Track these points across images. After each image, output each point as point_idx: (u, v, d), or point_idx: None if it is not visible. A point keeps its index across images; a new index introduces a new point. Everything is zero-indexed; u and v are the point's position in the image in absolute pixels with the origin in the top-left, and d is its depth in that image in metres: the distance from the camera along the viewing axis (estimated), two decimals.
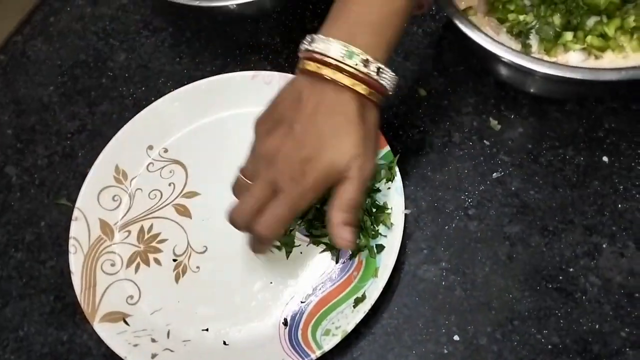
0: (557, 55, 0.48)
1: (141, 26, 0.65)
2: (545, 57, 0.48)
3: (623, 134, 0.51)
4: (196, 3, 0.54)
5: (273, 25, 0.62)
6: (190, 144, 0.55)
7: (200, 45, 0.62)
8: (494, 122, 0.53)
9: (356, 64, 0.39)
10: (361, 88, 0.39)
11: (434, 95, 0.55)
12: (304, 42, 0.42)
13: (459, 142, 0.53)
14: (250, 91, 0.55)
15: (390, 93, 0.42)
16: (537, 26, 0.48)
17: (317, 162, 0.40)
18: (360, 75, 0.39)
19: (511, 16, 0.49)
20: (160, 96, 0.56)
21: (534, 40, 0.48)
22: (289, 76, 0.55)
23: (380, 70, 0.40)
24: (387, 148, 0.50)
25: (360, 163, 0.40)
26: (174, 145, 0.55)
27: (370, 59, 0.39)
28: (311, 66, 0.40)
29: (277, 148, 0.40)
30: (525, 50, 0.48)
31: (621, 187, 0.49)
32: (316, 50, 0.40)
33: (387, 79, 0.41)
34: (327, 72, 0.39)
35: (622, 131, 0.51)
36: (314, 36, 0.41)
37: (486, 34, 0.46)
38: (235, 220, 0.43)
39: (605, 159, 0.50)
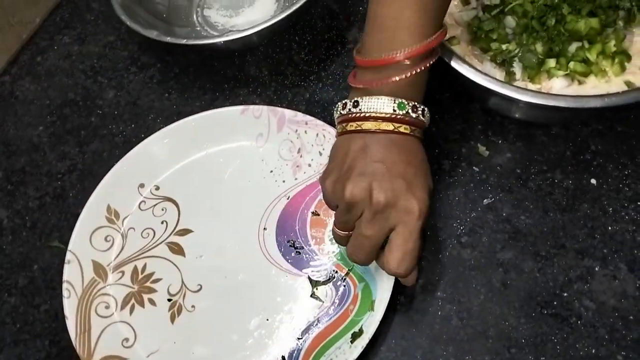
0: (541, 82, 0.49)
1: (129, 63, 0.65)
2: (530, 85, 0.49)
3: (609, 156, 0.52)
4: (184, 41, 0.55)
5: (260, 58, 0.63)
6: (181, 181, 0.55)
7: (189, 80, 0.63)
8: (482, 148, 0.53)
9: (407, 112, 0.41)
10: (418, 132, 0.43)
11: None
12: (342, 108, 0.43)
13: (449, 169, 0.53)
14: (240, 125, 0.56)
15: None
16: (520, 54, 0.49)
17: (420, 184, 0.41)
18: (413, 120, 0.42)
19: (494, 45, 0.50)
20: (150, 133, 0.56)
21: (517, 68, 0.49)
22: (278, 110, 0.55)
23: (424, 111, 0.43)
24: None
25: None
26: (166, 182, 0.55)
27: (416, 104, 0.42)
28: (368, 125, 0.41)
29: (371, 186, 0.40)
30: (509, 78, 0.49)
31: (610, 209, 0.49)
32: (367, 110, 0.41)
33: (428, 115, 0.44)
34: (387, 127, 0.41)
35: (608, 153, 0.52)
36: (358, 100, 0.42)
37: (470, 64, 0.47)
38: (359, 259, 0.42)
39: (593, 181, 0.51)
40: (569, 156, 0.52)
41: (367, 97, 0.41)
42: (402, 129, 0.41)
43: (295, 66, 0.62)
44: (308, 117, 0.55)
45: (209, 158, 0.56)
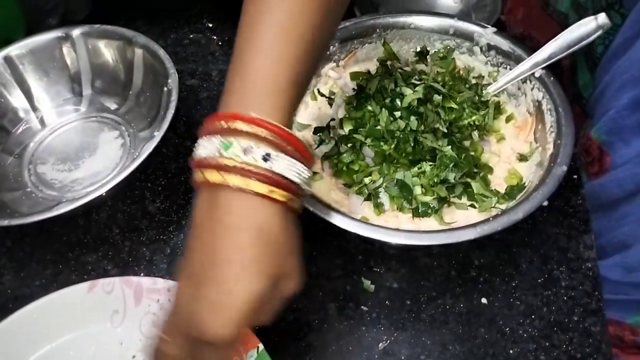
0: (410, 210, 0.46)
1: None
2: (400, 215, 0.46)
3: (494, 268, 0.50)
4: (5, 223, 0.46)
5: (109, 214, 0.55)
6: None
7: (25, 254, 0.53)
8: (367, 283, 0.49)
9: (235, 155, 0.30)
10: (251, 184, 0.31)
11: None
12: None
13: (337, 313, 0.48)
14: (88, 306, 0.47)
15: (306, 188, 0.33)
16: (384, 185, 0.46)
17: (228, 301, 0.30)
18: (246, 169, 0.30)
19: (357, 177, 0.47)
20: None
21: (385, 199, 0.46)
22: (133, 279, 0.48)
23: (269, 157, 0.30)
24: (260, 346, 0.43)
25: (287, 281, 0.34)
26: None
27: (252, 145, 0.30)
28: (199, 176, 0.33)
29: (179, 294, 0.33)
30: (379, 211, 0.46)
31: (507, 329, 0.47)
32: (196, 155, 0.33)
33: (288, 168, 0.31)
34: (214, 177, 0.31)
35: (492, 264, 0.50)
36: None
37: (326, 203, 0.43)
38: None
39: (484, 300, 0.48)
40: (454, 276, 0.49)
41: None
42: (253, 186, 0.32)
43: (151, 218, 0.55)
44: (170, 282, 0.47)
45: (54, 353, 0.46)
